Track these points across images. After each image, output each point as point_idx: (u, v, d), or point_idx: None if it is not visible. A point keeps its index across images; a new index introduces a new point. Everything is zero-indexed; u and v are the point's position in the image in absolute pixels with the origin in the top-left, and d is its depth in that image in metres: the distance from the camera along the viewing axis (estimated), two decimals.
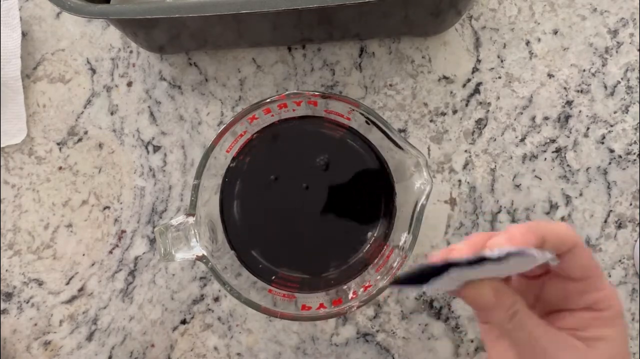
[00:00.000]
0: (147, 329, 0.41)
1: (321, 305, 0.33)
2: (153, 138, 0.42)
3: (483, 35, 0.41)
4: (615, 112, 0.40)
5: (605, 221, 0.40)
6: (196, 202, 0.32)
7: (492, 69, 0.41)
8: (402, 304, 0.40)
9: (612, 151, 0.40)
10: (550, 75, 0.40)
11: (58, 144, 0.42)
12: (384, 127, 0.32)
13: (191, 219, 0.32)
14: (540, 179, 0.40)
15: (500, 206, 0.40)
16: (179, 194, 0.41)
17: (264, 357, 0.40)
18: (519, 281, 0.27)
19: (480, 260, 0.20)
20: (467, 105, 0.41)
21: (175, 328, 0.40)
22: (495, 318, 0.24)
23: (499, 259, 0.20)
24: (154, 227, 0.41)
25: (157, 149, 0.42)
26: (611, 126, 0.40)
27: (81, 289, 0.41)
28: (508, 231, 0.23)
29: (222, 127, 0.33)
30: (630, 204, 0.40)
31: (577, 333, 0.24)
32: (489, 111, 0.41)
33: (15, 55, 0.41)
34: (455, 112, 0.41)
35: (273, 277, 0.35)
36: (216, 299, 0.40)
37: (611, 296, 0.25)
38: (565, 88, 0.40)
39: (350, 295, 0.34)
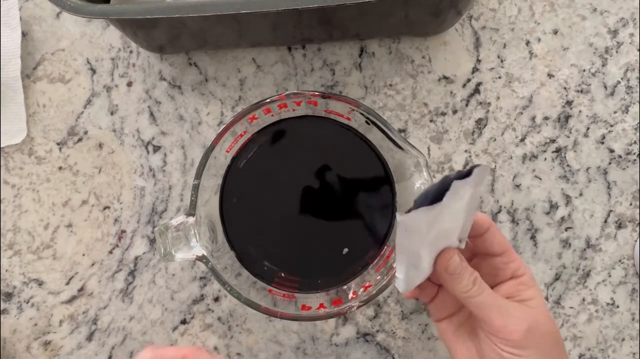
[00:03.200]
0: (147, 329, 0.41)
1: (321, 305, 0.33)
2: (153, 138, 0.42)
3: (483, 35, 0.41)
4: (615, 112, 0.40)
5: (605, 221, 0.40)
6: (196, 202, 0.32)
7: (492, 69, 0.41)
8: (402, 305, 0.40)
9: (612, 151, 0.40)
10: (550, 75, 0.40)
11: (58, 144, 0.42)
12: (384, 127, 0.32)
13: (191, 219, 0.32)
14: (540, 179, 0.40)
15: (500, 206, 0.40)
16: (179, 194, 0.41)
17: (264, 357, 0.40)
18: None
19: (462, 174, 0.24)
20: (467, 105, 0.41)
21: (175, 328, 0.40)
22: (461, 283, 0.28)
23: (470, 173, 0.24)
24: (154, 227, 0.41)
25: (157, 149, 0.42)
26: (611, 126, 0.40)
27: (81, 289, 0.41)
28: None
29: (222, 127, 0.33)
30: (630, 204, 0.40)
31: (513, 298, 0.29)
32: (489, 111, 0.41)
33: (15, 55, 0.41)
34: (455, 112, 0.41)
35: (273, 277, 0.35)
36: (216, 299, 0.40)
37: (521, 262, 0.30)
38: (565, 88, 0.40)
39: (350, 295, 0.34)
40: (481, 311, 0.28)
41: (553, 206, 0.40)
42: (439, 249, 0.28)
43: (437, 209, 0.24)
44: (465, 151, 0.40)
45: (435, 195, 0.24)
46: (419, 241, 0.26)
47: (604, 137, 0.40)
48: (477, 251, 0.31)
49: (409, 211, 0.24)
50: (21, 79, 0.42)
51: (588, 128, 0.40)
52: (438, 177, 0.40)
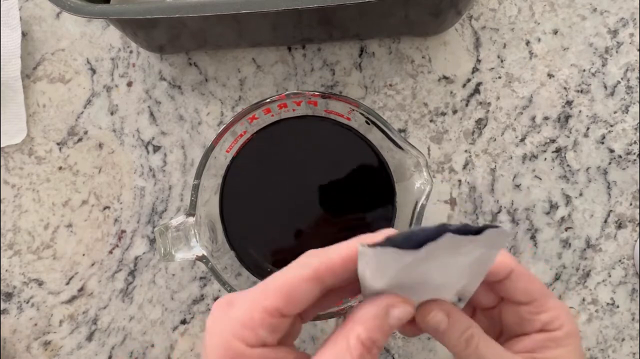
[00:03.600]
0: (147, 329, 0.41)
1: None
2: (153, 138, 0.42)
3: (483, 35, 0.41)
4: (615, 112, 0.40)
5: (605, 221, 0.40)
6: (196, 202, 0.32)
7: (492, 69, 0.41)
8: None
9: (612, 151, 0.40)
10: (550, 75, 0.40)
11: (58, 144, 0.42)
12: (384, 127, 0.32)
13: (191, 219, 0.32)
14: (540, 179, 0.40)
15: (501, 206, 0.40)
16: (179, 194, 0.41)
17: None
18: (479, 316, 0.27)
19: (469, 230, 0.20)
20: (467, 105, 0.41)
21: (175, 328, 0.40)
22: (450, 342, 0.23)
23: (480, 232, 0.20)
24: (154, 227, 0.41)
25: (157, 149, 0.42)
26: (611, 125, 0.40)
27: (81, 289, 0.41)
28: None
29: (222, 127, 0.33)
30: (630, 204, 0.40)
31: (533, 355, 0.24)
32: (489, 111, 0.41)
33: (15, 55, 0.41)
34: (455, 112, 0.41)
35: None
36: (216, 299, 0.40)
37: (560, 315, 0.25)
38: (565, 88, 0.40)
39: None
40: None
41: (553, 206, 0.40)
42: (421, 299, 0.23)
43: (408, 256, 0.20)
44: (465, 151, 0.40)
45: (422, 240, 0.19)
46: (381, 281, 0.21)
47: (604, 137, 0.40)
48: (500, 294, 0.26)
49: (378, 244, 0.20)
50: (21, 79, 0.42)
51: (588, 128, 0.40)
52: (438, 178, 0.40)
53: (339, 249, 0.22)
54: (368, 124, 0.33)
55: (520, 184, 0.40)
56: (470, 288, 0.24)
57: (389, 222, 0.35)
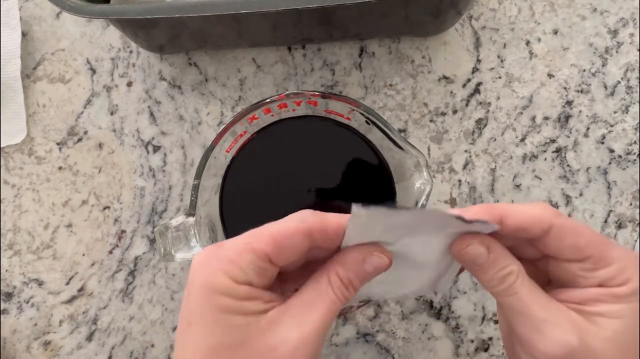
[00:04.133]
0: (147, 329, 0.41)
1: None
2: (153, 138, 0.42)
3: (483, 35, 0.41)
4: (615, 112, 0.40)
5: (606, 221, 0.40)
6: (196, 202, 0.32)
7: (492, 69, 0.41)
8: (402, 305, 0.40)
9: (612, 151, 0.40)
10: (550, 75, 0.40)
11: (58, 144, 0.42)
12: (384, 127, 0.32)
13: (191, 219, 0.32)
14: (541, 179, 0.40)
15: None
16: (179, 194, 0.41)
17: None
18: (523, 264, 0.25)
19: (469, 220, 0.21)
20: (467, 105, 0.41)
21: (175, 328, 0.40)
22: (485, 277, 0.22)
23: (470, 222, 0.21)
24: (153, 227, 0.41)
25: (157, 149, 0.42)
26: (611, 126, 0.40)
27: (81, 289, 0.41)
28: (468, 208, 0.23)
29: (222, 127, 0.33)
30: (631, 204, 0.40)
31: (581, 307, 0.22)
32: (489, 111, 0.40)
33: (15, 55, 0.41)
34: (455, 112, 0.41)
35: None
36: None
37: (627, 268, 0.22)
38: (565, 88, 0.40)
39: None
40: (510, 315, 0.22)
41: (553, 206, 0.40)
42: (398, 271, 0.24)
43: (397, 216, 0.21)
44: (466, 151, 0.40)
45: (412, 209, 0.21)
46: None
47: (604, 137, 0.40)
48: (545, 252, 0.23)
49: (371, 204, 0.21)
50: (21, 79, 0.42)
51: (588, 128, 0.40)
52: (438, 178, 0.40)
53: (335, 215, 0.23)
54: (368, 124, 0.33)
55: (520, 184, 0.40)
56: (446, 283, 0.24)
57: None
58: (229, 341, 0.21)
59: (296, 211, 0.35)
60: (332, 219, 0.23)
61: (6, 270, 0.41)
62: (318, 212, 0.23)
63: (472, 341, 0.39)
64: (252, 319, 0.21)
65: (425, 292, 0.24)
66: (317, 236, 0.22)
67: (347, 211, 0.32)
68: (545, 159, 0.40)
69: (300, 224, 0.22)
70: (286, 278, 0.25)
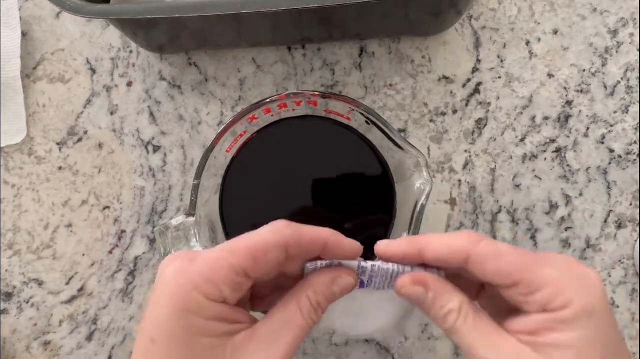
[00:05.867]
0: None
1: None
2: (153, 138, 0.42)
3: (483, 35, 0.41)
4: (615, 112, 0.40)
5: (606, 221, 0.40)
6: (196, 203, 0.32)
7: (492, 69, 0.41)
8: None
9: (612, 151, 0.40)
10: (550, 75, 0.40)
11: (58, 144, 0.42)
12: (384, 127, 0.32)
13: (191, 219, 0.32)
14: (540, 179, 0.40)
15: (500, 206, 0.40)
16: (179, 194, 0.41)
17: None
18: (488, 291, 0.25)
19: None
20: (467, 105, 0.41)
21: None
22: (431, 315, 0.23)
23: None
24: (154, 227, 0.41)
25: (157, 149, 0.42)
26: (611, 125, 0.40)
27: (81, 289, 0.41)
28: (390, 243, 0.24)
29: (222, 127, 0.33)
30: (631, 204, 0.40)
31: (535, 339, 0.21)
32: (489, 110, 0.40)
33: (15, 55, 0.41)
34: (455, 112, 0.41)
35: None
36: None
37: (564, 289, 0.20)
38: (565, 88, 0.40)
39: None
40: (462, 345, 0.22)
41: (553, 206, 0.40)
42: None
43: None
44: (465, 150, 0.40)
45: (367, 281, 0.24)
46: None
47: (604, 137, 0.40)
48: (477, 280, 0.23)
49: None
50: (21, 79, 0.42)
51: (588, 128, 0.40)
52: (438, 178, 0.40)
53: (310, 228, 0.23)
54: (368, 124, 0.33)
55: (520, 184, 0.40)
56: (413, 321, 0.25)
57: (388, 222, 0.35)
58: None
59: (295, 211, 0.35)
60: (307, 232, 0.23)
61: (6, 270, 0.41)
62: (293, 224, 0.23)
63: None
64: (218, 342, 0.21)
65: (392, 332, 0.25)
66: (293, 248, 0.22)
67: (345, 214, 0.32)
68: (545, 159, 0.40)
69: (276, 236, 0.22)
70: (255, 292, 0.25)
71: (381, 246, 0.24)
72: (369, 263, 0.23)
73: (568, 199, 0.40)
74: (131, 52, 0.42)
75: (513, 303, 0.22)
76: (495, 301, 0.24)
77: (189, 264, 0.21)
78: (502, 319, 0.23)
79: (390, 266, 0.23)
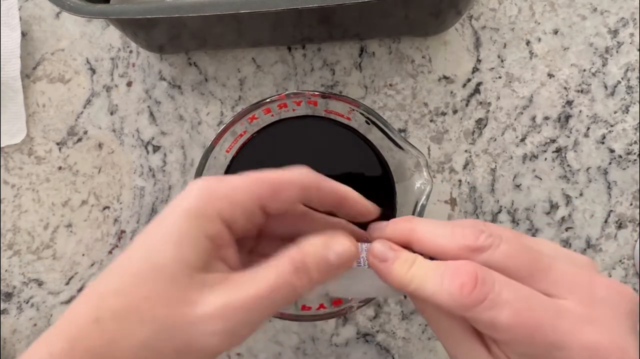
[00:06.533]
0: None
1: (321, 305, 0.33)
2: (153, 138, 0.42)
3: (483, 35, 0.41)
4: (615, 112, 0.40)
5: (606, 221, 0.40)
6: None
7: (493, 68, 0.41)
8: (402, 305, 0.40)
9: (612, 151, 0.40)
10: (550, 75, 0.40)
11: (58, 144, 0.42)
12: (384, 127, 0.32)
13: None
14: (541, 179, 0.40)
15: (501, 206, 0.40)
16: (178, 194, 0.41)
17: (264, 357, 0.40)
18: None
19: None
20: (467, 105, 0.41)
21: None
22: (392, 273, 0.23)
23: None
24: None
25: (156, 149, 0.41)
26: (611, 125, 0.40)
27: (81, 290, 0.41)
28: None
29: (222, 127, 0.33)
30: (631, 204, 0.40)
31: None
32: (489, 110, 0.40)
33: (14, 55, 0.41)
34: (455, 112, 0.41)
35: None
36: None
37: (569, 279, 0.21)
38: (565, 88, 0.40)
39: None
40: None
41: (553, 206, 0.40)
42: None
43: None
44: (466, 150, 0.40)
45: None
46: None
47: (604, 137, 0.40)
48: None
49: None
50: (21, 79, 0.42)
51: (588, 128, 0.40)
52: (438, 178, 0.40)
53: (331, 181, 0.24)
54: (368, 124, 0.33)
55: (520, 184, 0.40)
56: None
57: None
58: (185, 282, 0.20)
59: None
60: (329, 182, 0.24)
61: (6, 270, 0.41)
62: (316, 172, 0.24)
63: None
64: (200, 276, 0.20)
65: (386, 292, 0.24)
66: (312, 191, 0.23)
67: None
68: (546, 159, 0.40)
69: (299, 175, 0.23)
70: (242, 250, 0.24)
71: (373, 230, 0.24)
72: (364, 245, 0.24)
73: (568, 199, 0.40)
74: (131, 52, 0.42)
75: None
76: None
77: (217, 182, 0.22)
78: None
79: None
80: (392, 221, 0.25)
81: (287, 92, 0.32)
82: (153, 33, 0.37)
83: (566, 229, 0.40)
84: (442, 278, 0.21)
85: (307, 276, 0.21)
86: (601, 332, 0.20)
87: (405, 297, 0.39)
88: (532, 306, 0.20)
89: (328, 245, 0.21)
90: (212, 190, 0.22)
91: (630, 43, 0.40)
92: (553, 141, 0.40)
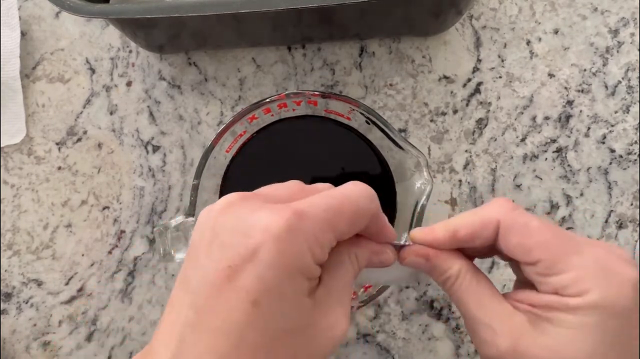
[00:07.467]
0: (147, 330, 0.40)
1: None
2: (152, 138, 0.41)
3: (483, 34, 0.41)
4: (616, 112, 0.40)
5: (606, 221, 0.39)
6: (195, 203, 0.32)
7: (493, 68, 0.41)
8: (402, 305, 0.39)
9: (612, 150, 0.40)
10: (550, 75, 0.40)
11: (57, 144, 0.42)
12: (384, 127, 0.32)
13: (191, 219, 0.31)
14: (541, 179, 0.40)
15: None
16: (178, 194, 0.41)
17: None
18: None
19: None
20: (467, 105, 0.41)
21: None
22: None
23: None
24: (153, 227, 0.41)
25: (156, 149, 0.41)
26: (612, 125, 0.40)
27: (80, 290, 0.41)
28: (428, 229, 0.24)
29: (222, 127, 0.33)
30: (631, 204, 0.39)
31: (534, 310, 0.21)
32: (489, 110, 0.40)
33: (14, 55, 0.41)
34: (455, 112, 0.41)
35: None
36: None
37: (584, 278, 0.20)
38: (566, 88, 0.40)
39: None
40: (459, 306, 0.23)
41: (554, 206, 0.40)
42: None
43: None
44: (466, 150, 0.40)
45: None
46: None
47: (604, 137, 0.40)
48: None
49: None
50: (20, 79, 0.42)
51: (589, 128, 0.40)
52: (438, 178, 0.40)
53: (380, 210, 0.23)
54: (368, 124, 0.33)
55: (520, 184, 0.40)
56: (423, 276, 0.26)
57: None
58: (299, 324, 0.19)
59: None
60: (382, 214, 0.23)
61: (5, 270, 0.41)
62: (375, 197, 0.23)
63: (472, 342, 0.39)
64: (311, 301, 0.20)
65: (409, 280, 0.27)
66: (371, 222, 0.22)
67: None
68: (546, 159, 0.40)
69: (373, 204, 0.22)
70: None
71: (417, 234, 0.24)
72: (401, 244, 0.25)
73: (569, 199, 0.40)
74: (130, 52, 0.42)
75: (529, 279, 0.22)
76: (518, 274, 0.24)
77: (300, 222, 0.19)
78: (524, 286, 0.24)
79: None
80: (430, 229, 0.25)
81: (287, 92, 0.32)
82: (153, 33, 0.37)
83: (567, 229, 0.40)
84: (480, 207, 0.23)
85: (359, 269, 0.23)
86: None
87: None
88: (556, 227, 0.22)
89: (379, 252, 0.24)
90: (301, 234, 0.19)
91: (631, 43, 0.40)
92: (553, 140, 0.40)
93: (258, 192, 0.22)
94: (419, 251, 0.24)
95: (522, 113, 0.40)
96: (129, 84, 0.42)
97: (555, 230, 0.21)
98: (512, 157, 0.40)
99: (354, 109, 0.33)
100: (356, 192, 0.21)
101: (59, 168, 0.42)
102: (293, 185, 0.23)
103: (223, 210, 0.20)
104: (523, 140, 0.40)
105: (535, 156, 0.40)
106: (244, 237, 0.19)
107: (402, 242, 0.25)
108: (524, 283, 0.23)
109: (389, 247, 0.24)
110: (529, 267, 0.21)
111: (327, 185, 0.23)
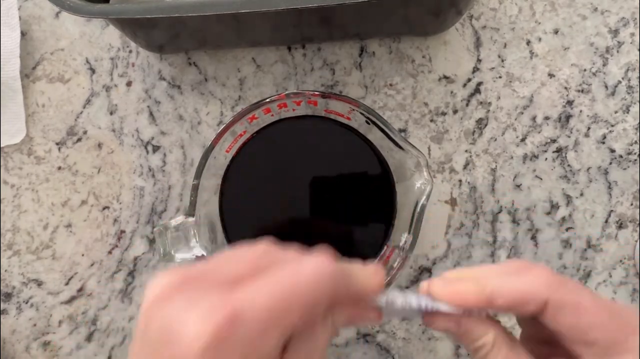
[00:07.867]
0: None
1: None
2: (152, 138, 0.41)
3: (483, 34, 0.41)
4: (616, 112, 0.40)
5: (606, 221, 0.40)
6: (195, 203, 0.32)
7: (493, 68, 0.41)
8: None
9: (612, 150, 0.40)
10: (551, 75, 0.40)
11: (57, 144, 0.42)
12: (384, 127, 0.32)
13: (190, 220, 0.31)
14: (541, 179, 0.40)
15: (501, 206, 0.40)
16: (178, 194, 0.41)
17: None
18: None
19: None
20: (467, 105, 0.41)
21: None
22: (463, 344, 0.22)
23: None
24: (153, 227, 0.41)
25: (156, 149, 0.41)
26: (612, 125, 0.40)
27: (80, 290, 0.41)
28: (454, 288, 0.21)
29: (222, 127, 0.33)
30: (631, 204, 0.39)
31: None
32: (489, 110, 0.40)
33: (14, 55, 0.41)
34: (455, 112, 0.41)
35: None
36: None
37: None
38: (566, 88, 0.40)
39: None
40: None
41: (554, 206, 0.40)
42: None
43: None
44: (466, 150, 0.40)
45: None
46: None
47: (604, 137, 0.40)
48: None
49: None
50: (20, 79, 0.42)
51: (589, 128, 0.40)
52: (438, 178, 0.40)
53: (361, 272, 0.21)
54: (368, 124, 0.33)
55: (520, 184, 0.40)
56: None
57: (388, 222, 0.35)
58: None
59: (295, 211, 0.35)
60: (357, 280, 0.21)
61: (5, 270, 0.41)
62: (338, 263, 0.20)
63: None
64: None
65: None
66: (340, 294, 0.20)
67: (345, 214, 0.31)
68: (546, 159, 0.40)
69: (332, 285, 0.19)
70: None
71: (439, 290, 0.21)
72: (400, 301, 0.22)
73: (569, 199, 0.40)
74: (130, 51, 0.42)
75: (577, 355, 0.20)
76: (528, 329, 0.23)
77: (231, 327, 0.16)
78: (536, 343, 0.22)
79: (417, 302, 0.22)
80: (448, 281, 0.22)
81: (287, 92, 0.32)
82: (153, 33, 0.37)
83: (567, 229, 0.40)
84: (517, 271, 0.20)
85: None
86: None
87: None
88: (608, 302, 0.20)
89: (362, 316, 0.22)
90: (230, 341, 0.17)
91: (631, 43, 0.40)
92: (553, 140, 0.40)
93: (204, 269, 0.19)
94: (450, 319, 0.21)
95: (522, 113, 0.40)
96: (129, 84, 0.42)
97: (609, 307, 0.20)
98: (512, 157, 0.40)
99: (354, 109, 0.33)
100: (310, 275, 0.18)
101: (59, 168, 0.42)
102: (252, 255, 0.19)
103: (157, 300, 0.18)
104: (523, 140, 0.40)
105: (535, 156, 0.40)
106: (168, 343, 0.17)
107: (419, 303, 0.21)
108: (533, 337, 0.22)
109: (372, 311, 0.21)
110: (580, 346, 0.20)
111: (295, 255, 0.20)
